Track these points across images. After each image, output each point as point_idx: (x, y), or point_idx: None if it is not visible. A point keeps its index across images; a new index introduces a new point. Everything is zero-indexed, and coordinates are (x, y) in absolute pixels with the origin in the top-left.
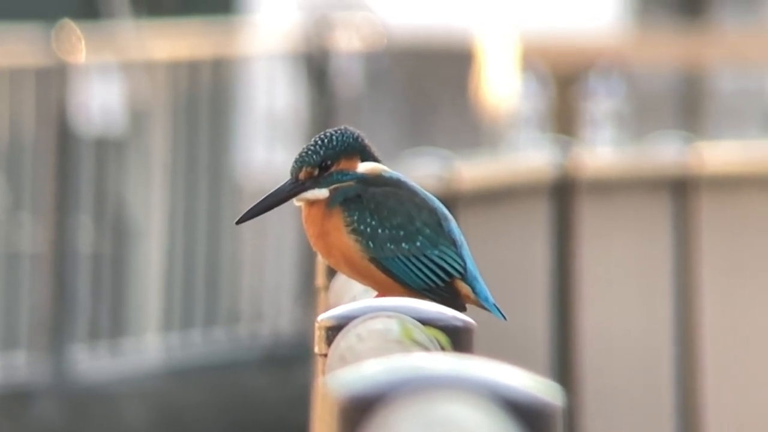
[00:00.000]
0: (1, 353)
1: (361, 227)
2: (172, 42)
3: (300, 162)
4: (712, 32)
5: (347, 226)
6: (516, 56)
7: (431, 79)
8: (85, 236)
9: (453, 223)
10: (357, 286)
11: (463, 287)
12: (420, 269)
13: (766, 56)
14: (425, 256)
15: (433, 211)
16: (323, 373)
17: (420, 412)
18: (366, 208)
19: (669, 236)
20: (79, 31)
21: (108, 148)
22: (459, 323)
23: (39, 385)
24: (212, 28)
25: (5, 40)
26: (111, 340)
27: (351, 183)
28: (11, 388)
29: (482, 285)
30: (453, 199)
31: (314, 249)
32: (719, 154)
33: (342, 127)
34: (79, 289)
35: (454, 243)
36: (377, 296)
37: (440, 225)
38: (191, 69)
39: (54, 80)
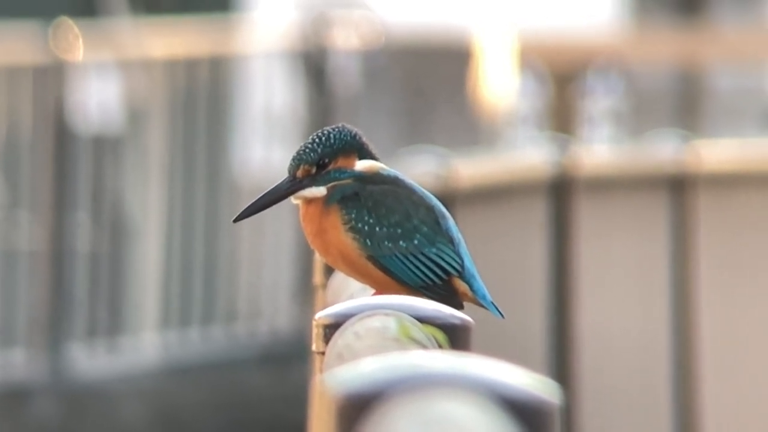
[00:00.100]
0: None
1: (359, 225)
2: (170, 40)
3: (297, 160)
4: (709, 30)
5: (345, 224)
6: (514, 54)
7: (429, 77)
8: (82, 234)
9: (450, 221)
10: (355, 284)
11: (461, 285)
12: (417, 267)
13: (763, 54)
14: (423, 254)
15: (430, 209)
16: (321, 371)
17: (417, 410)
18: (363, 206)
19: (666, 234)
20: (76, 29)
21: (105, 147)
22: (457, 321)
23: (37, 383)
24: (210, 26)
25: (2, 38)
26: (109, 338)
27: (348, 181)
28: (9, 386)
29: (480, 283)
30: (450, 197)
31: (312, 247)
32: (717, 152)
33: (339, 125)
34: (77, 287)
35: (451, 241)
36: (375, 294)
37: (438, 223)
38: (189, 67)
39: (51, 78)
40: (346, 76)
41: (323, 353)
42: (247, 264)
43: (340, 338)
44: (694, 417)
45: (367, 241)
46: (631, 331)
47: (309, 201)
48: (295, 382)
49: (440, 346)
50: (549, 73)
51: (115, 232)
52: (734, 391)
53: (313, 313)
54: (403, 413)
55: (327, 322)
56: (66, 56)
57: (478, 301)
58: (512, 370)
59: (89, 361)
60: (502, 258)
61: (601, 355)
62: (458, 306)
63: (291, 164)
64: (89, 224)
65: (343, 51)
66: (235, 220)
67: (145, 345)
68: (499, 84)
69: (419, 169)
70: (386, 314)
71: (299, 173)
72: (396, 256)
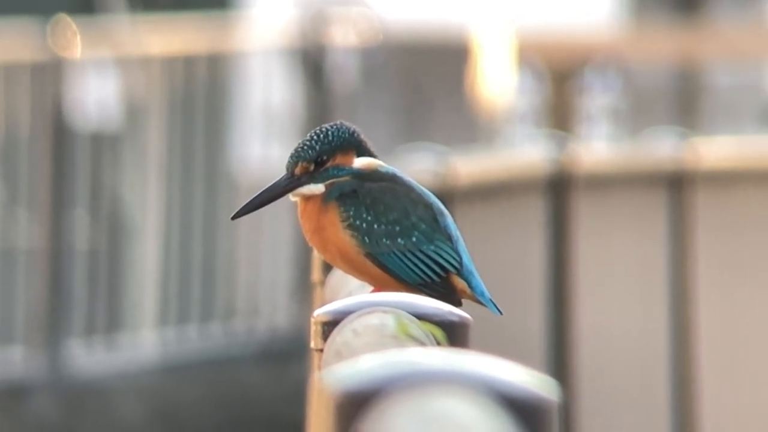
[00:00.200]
0: None
1: (357, 222)
2: (168, 37)
3: (296, 157)
4: (707, 28)
5: (343, 221)
6: (512, 52)
7: (427, 74)
8: (80, 232)
9: (449, 219)
10: (353, 282)
11: (459, 282)
12: (416, 264)
13: (762, 52)
14: (421, 251)
15: (428, 207)
16: (319, 368)
17: (416, 408)
18: (362, 204)
19: (665, 231)
20: (74, 27)
21: (103, 144)
22: (455, 318)
23: (35, 381)
24: (208, 23)
25: (0, 35)
26: (107, 336)
27: (347, 178)
28: (7, 383)
29: (478, 280)
30: (449, 195)
31: (310, 244)
32: (715, 149)
33: (338, 123)
34: (75, 284)
35: (449, 238)
36: (373, 291)
37: (436, 220)
38: (187, 64)
39: (49, 75)
40: (345, 73)
41: (322, 350)
42: (245, 261)
43: (338, 335)
44: (692, 413)
45: (366, 238)
46: (630, 328)
47: (307, 198)
48: (294, 380)
49: (438, 344)
50: (547, 71)
51: (114, 230)
52: (732, 388)
53: (312, 310)
54: (402, 410)
55: (325, 319)
56: (64, 53)
57: (477, 298)
58: (511, 368)
59: (88, 358)
60: (501, 255)
61: (599, 351)
62: (457, 303)
63: (289, 161)
64: (87, 221)
65: (341, 48)
66: (234, 218)
67: (144, 342)
68: (498, 81)
69: (417, 166)
70: (384, 311)
71: (297, 170)
72: (394, 253)
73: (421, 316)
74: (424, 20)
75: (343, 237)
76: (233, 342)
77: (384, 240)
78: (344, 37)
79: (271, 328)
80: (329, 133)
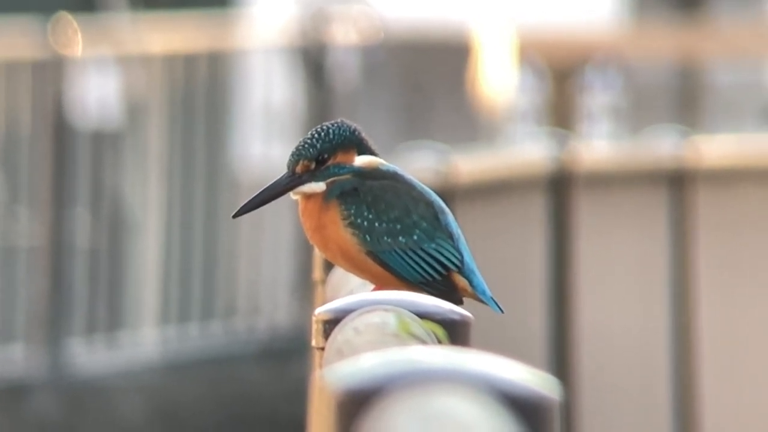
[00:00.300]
0: None
1: (358, 221)
2: (169, 35)
3: (297, 155)
4: (708, 26)
5: (344, 219)
6: (513, 50)
7: (428, 72)
8: (81, 230)
9: (450, 217)
10: (354, 280)
11: (460, 280)
12: (417, 262)
13: (762, 50)
14: (422, 249)
15: (430, 205)
16: (320, 366)
17: (417, 406)
18: (363, 202)
19: (666, 229)
20: (75, 25)
21: (104, 142)
22: (456, 317)
23: (36, 379)
24: (209, 21)
25: (1, 33)
26: (108, 334)
27: (348, 176)
28: (8, 381)
29: (479, 278)
30: (450, 193)
31: (311, 242)
32: (716, 147)
33: (339, 121)
34: (76, 282)
35: (451, 236)
36: (374, 290)
37: (437, 218)
38: (188, 63)
39: (50, 73)
40: (345, 71)
41: (323, 349)
42: (246, 259)
43: (339, 334)
44: (692, 412)
45: (367, 236)
46: (631, 327)
47: (308, 196)
48: (295, 378)
49: (440, 342)
50: (548, 69)
51: (115, 228)
52: (733, 386)
53: (313, 308)
54: (403, 409)
55: (326, 317)
56: (65, 51)
57: (478, 296)
58: (512, 366)
59: (88, 356)
60: (502, 253)
61: (599, 349)
62: (458, 301)
63: (290, 160)
64: (88, 220)
65: (342, 46)
66: (235, 216)
67: (145, 340)
68: (498, 80)
69: (418, 164)
70: (386, 310)
71: (298, 169)
72: (395, 251)
73: (423, 315)
74: (425, 18)
75: (344, 235)
76: (234, 340)
77: (385, 238)
78: (345, 35)
79: (272, 327)
80: (330, 131)
